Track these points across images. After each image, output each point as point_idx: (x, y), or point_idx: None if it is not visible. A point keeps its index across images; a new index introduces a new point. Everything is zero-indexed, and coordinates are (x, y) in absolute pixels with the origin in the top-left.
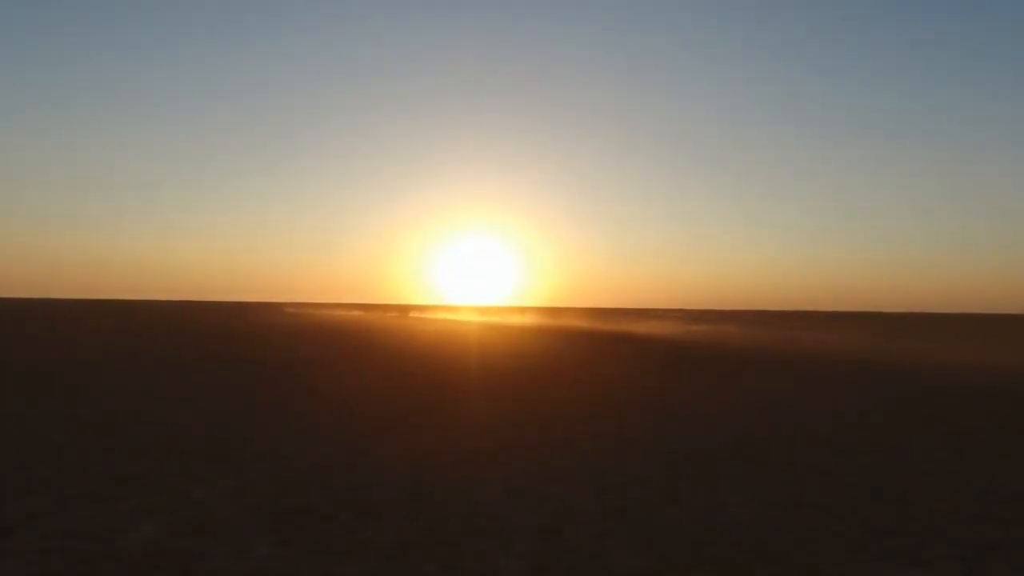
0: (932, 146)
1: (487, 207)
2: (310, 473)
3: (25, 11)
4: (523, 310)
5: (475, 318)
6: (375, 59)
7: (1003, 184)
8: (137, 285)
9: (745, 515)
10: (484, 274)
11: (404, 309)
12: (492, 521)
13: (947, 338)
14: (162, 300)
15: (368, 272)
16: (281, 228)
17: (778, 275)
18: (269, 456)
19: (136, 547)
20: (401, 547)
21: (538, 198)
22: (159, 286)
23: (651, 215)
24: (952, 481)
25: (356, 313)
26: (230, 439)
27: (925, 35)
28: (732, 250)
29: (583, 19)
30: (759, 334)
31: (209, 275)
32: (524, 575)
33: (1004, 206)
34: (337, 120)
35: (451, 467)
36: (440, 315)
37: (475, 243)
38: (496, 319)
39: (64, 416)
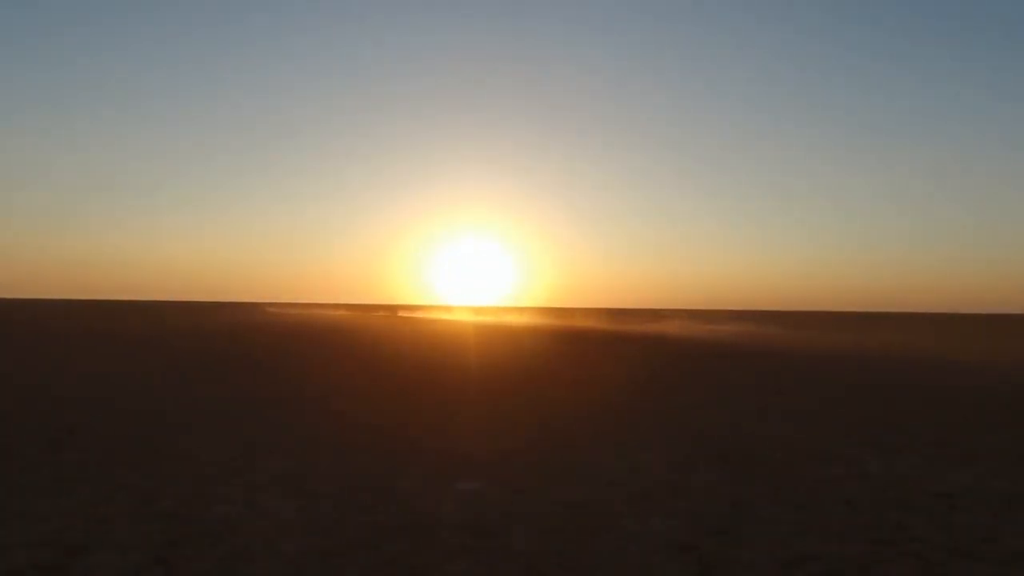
0: (932, 146)
1: (484, 207)
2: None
3: (23, 11)
4: (520, 310)
5: (465, 317)
6: (374, 59)
7: (1004, 184)
8: (129, 285)
9: None
10: (481, 274)
11: (393, 309)
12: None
13: (949, 337)
14: (157, 301)
15: (364, 272)
16: (275, 227)
17: (778, 275)
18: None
19: None
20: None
21: (535, 198)
22: (151, 286)
23: (649, 215)
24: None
25: (340, 313)
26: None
27: (927, 35)
28: (731, 250)
29: (581, 19)
30: (804, 336)
31: (203, 275)
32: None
33: (1005, 206)
34: (334, 120)
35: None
36: (430, 315)
37: (472, 243)
38: (488, 319)
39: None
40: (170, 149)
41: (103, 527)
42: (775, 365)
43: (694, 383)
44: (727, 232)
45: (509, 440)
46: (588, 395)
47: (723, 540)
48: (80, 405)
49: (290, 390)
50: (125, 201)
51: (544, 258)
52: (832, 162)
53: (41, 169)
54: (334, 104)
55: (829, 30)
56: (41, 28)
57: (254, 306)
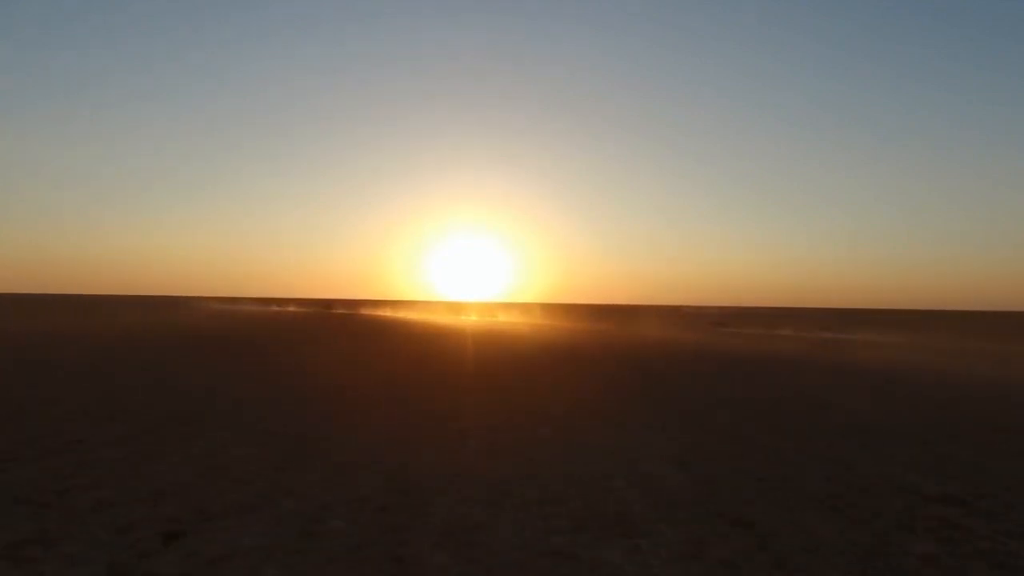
0: (930, 146)
1: (478, 204)
2: None
3: (22, 9)
4: (512, 307)
5: (429, 315)
6: (372, 58)
7: (1003, 184)
8: (123, 282)
9: None
10: (473, 270)
11: (354, 305)
12: None
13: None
14: (150, 296)
15: (345, 268)
16: (269, 224)
17: (780, 274)
18: None
19: None
20: None
21: (532, 194)
22: (147, 283)
23: (648, 212)
24: None
25: (284, 310)
26: None
27: (928, 35)
28: (730, 248)
29: (580, 16)
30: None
31: (196, 273)
32: None
33: (1006, 206)
34: (329, 117)
35: None
36: (396, 312)
37: (463, 240)
38: (463, 317)
39: None
40: (161, 147)
41: None
42: None
43: None
44: (727, 229)
45: None
46: None
47: None
48: None
49: None
50: (121, 198)
51: (540, 255)
52: (829, 161)
53: None
54: (330, 101)
55: (832, 29)
56: (32, 25)
57: (198, 300)
